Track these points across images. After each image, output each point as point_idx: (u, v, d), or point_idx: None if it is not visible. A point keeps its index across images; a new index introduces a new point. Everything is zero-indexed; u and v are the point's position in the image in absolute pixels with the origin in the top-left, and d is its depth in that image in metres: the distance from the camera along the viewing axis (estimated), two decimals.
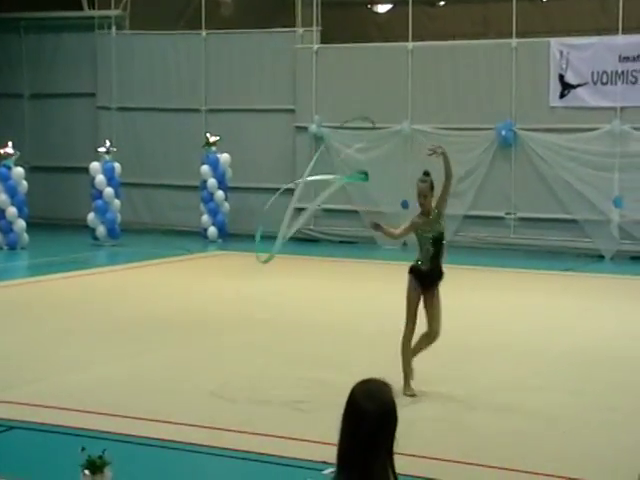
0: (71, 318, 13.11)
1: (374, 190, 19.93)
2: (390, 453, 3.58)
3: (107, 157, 20.45)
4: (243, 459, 7.87)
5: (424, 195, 9.36)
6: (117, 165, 20.47)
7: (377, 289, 15.28)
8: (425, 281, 9.33)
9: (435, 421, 8.74)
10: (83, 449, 6.49)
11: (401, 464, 3.69)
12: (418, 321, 9.42)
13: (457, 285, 15.78)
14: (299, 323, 12.84)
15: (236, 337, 12.02)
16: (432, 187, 9.39)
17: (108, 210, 20.33)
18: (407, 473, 5.60)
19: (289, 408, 9.05)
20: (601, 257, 18.58)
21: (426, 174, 9.45)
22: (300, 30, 21.19)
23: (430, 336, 9.42)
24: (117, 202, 20.50)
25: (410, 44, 20.16)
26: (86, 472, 6.39)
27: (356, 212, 20.27)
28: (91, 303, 14.22)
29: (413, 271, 9.40)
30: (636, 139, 18.25)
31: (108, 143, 20.65)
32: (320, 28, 21.11)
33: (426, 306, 9.39)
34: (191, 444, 8.10)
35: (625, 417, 8.91)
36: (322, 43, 21.07)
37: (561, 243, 18.93)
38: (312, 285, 15.79)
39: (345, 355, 10.93)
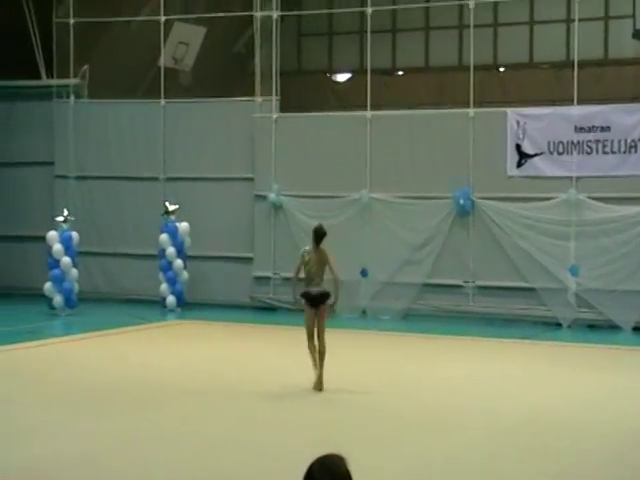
0: (25, 389, 12.87)
1: None
2: None
3: (64, 226, 20.34)
4: None
5: None
6: (75, 234, 20.37)
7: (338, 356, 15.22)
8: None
9: None
10: None
11: None
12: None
13: (417, 352, 15.80)
14: (252, 391, 12.71)
15: (178, 410, 11.85)
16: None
17: (65, 279, 20.16)
18: None
19: None
20: (559, 325, 18.65)
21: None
22: (259, 99, 21.31)
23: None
24: (74, 271, 20.33)
25: (368, 113, 20.34)
26: None
27: None
28: (44, 374, 13.98)
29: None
30: (591, 208, 18.45)
31: (65, 212, 20.56)
32: (279, 97, 21.26)
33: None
34: None
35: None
36: (281, 112, 21.21)
37: (519, 311, 19.01)
38: (272, 353, 15.67)
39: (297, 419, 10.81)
